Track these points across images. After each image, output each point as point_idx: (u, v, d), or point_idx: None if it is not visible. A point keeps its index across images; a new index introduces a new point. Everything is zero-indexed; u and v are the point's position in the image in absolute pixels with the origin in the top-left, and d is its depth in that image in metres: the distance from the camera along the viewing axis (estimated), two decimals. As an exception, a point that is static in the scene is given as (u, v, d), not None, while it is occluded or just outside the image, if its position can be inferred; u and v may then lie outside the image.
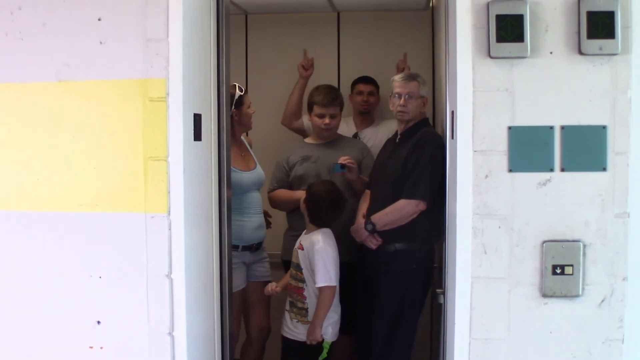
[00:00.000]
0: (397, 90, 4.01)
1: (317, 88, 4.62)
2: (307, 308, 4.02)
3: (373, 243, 3.96)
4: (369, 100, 4.95)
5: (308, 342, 3.99)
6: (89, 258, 2.96)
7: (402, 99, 3.98)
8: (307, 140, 4.66)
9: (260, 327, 4.35)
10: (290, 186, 4.55)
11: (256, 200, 4.27)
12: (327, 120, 4.46)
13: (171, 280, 2.91)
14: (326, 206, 4.08)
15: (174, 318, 2.93)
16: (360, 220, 4.06)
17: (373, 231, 3.92)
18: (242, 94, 4.29)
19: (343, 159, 4.28)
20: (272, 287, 4.17)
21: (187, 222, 2.92)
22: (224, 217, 3.26)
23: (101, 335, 2.98)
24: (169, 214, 2.89)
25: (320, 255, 3.97)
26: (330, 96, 4.50)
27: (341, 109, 4.58)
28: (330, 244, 4.01)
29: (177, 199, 2.88)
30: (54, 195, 2.98)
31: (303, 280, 4.03)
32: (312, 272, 3.99)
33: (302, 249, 4.04)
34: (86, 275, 2.96)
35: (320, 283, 3.95)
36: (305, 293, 4.03)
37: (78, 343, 2.99)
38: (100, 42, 2.93)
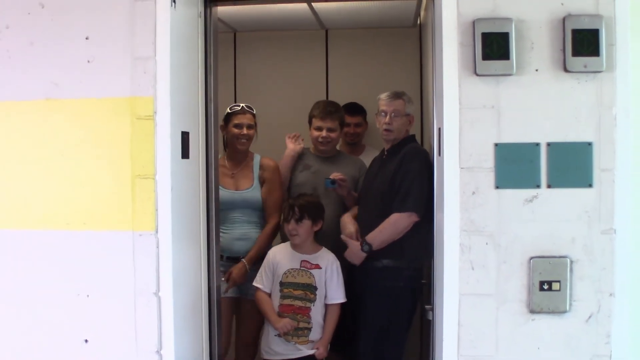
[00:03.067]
0: (382, 108, 4.04)
1: (318, 102, 4.61)
2: (311, 327, 4.02)
3: None
4: (356, 132, 4.95)
5: (320, 359, 4.01)
6: (76, 276, 2.95)
7: (388, 117, 4.00)
8: (311, 149, 4.63)
9: (245, 343, 4.35)
10: (287, 189, 4.55)
11: (237, 217, 4.28)
12: (323, 133, 4.44)
13: (159, 299, 2.91)
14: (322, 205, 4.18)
15: (162, 336, 2.92)
16: (354, 244, 4.03)
17: (370, 252, 3.90)
18: (229, 111, 4.32)
19: (334, 175, 4.29)
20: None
21: (174, 240, 2.91)
22: (212, 235, 3.26)
23: (89, 353, 2.96)
24: (157, 232, 2.89)
25: (339, 272, 4.07)
26: (328, 109, 4.47)
27: (341, 125, 4.55)
28: None
29: (165, 217, 2.88)
30: (42, 213, 2.98)
31: (312, 300, 4.02)
32: (325, 290, 4.04)
33: (320, 268, 4.05)
34: (74, 293, 2.95)
35: (342, 298, 4.06)
36: (311, 313, 4.02)
37: (65, 362, 2.98)
38: (88, 61, 2.94)
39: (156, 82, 2.89)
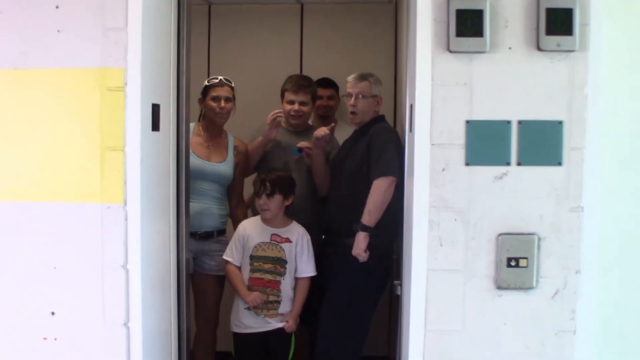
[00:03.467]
0: (348, 90, 4.08)
1: (290, 76, 4.60)
2: (281, 301, 4.04)
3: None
4: (328, 104, 4.93)
5: (289, 331, 4.05)
6: (43, 248, 2.92)
7: (353, 99, 4.03)
8: (283, 123, 4.62)
9: (206, 317, 4.35)
10: (257, 166, 4.54)
11: (204, 189, 4.23)
12: (295, 107, 4.43)
13: (127, 271, 2.89)
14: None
15: (129, 309, 2.90)
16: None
17: (365, 229, 3.86)
18: (207, 84, 4.28)
19: (301, 144, 4.30)
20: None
21: (143, 212, 2.89)
22: (182, 209, 3.25)
23: (55, 326, 2.95)
24: (126, 204, 2.87)
25: (309, 245, 4.10)
26: (300, 83, 4.48)
27: (313, 99, 4.55)
28: None
29: (134, 189, 2.86)
30: (9, 184, 2.94)
31: (281, 274, 4.04)
32: (295, 264, 4.07)
33: (290, 242, 4.06)
34: (40, 265, 2.92)
35: (312, 272, 4.10)
36: (281, 286, 4.04)
37: (32, 334, 2.95)
38: (58, 30, 2.90)
39: (127, 54, 2.86)
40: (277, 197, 4.03)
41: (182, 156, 3.25)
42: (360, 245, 3.83)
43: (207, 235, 4.24)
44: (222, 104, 4.25)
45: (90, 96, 2.88)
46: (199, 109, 4.38)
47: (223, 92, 4.27)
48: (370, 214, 3.81)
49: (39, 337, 2.95)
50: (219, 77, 4.31)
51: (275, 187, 4.03)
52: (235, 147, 4.40)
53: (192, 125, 4.23)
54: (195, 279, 4.25)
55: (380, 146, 3.84)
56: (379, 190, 3.80)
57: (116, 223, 2.87)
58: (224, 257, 4.10)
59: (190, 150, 4.09)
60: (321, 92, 4.83)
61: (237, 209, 4.47)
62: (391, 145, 3.76)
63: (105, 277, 2.89)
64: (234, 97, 4.32)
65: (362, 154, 3.92)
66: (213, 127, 4.34)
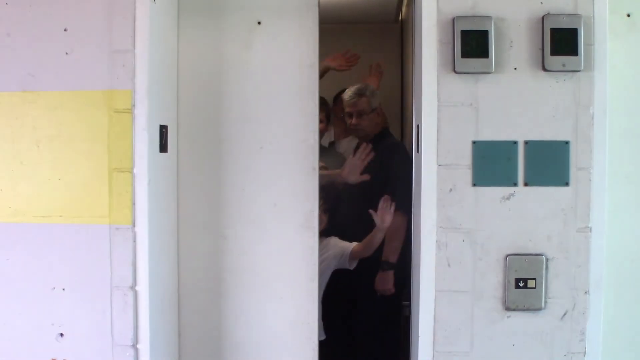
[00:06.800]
0: (347, 109, 4.08)
1: None
2: None
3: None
4: None
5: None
6: (52, 270, 2.93)
7: (354, 118, 4.04)
8: None
9: None
10: None
11: None
12: None
13: (135, 292, 2.90)
14: None
15: (138, 330, 2.91)
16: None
17: (392, 267, 3.90)
18: None
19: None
20: None
21: (151, 234, 2.90)
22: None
23: (64, 347, 2.95)
24: (134, 225, 2.88)
25: None
26: None
27: (328, 118, 4.57)
28: None
29: (142, 210, 2.87)
30: (18, 206, 2.95)
31: None
32: None
33: None
34: (49, 287, 2.93)
35: None
36: None
37: (40, 355, 2.96)
38: (66, 53, 2.92)
39: (135, 76, 2.88)
40: None
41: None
42: (389, 283, 3.88)
43: None
44: None
45: (98, 118, 2.90)
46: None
47: None
48: (397, 251, 3.84)
49: (48, 358, 2.95)
50: None
51: None
52: None
53: None
54: None
55: (397, 172, 3.84)
56: (404, 228, 3.81)
57: (125, 244, 2.88)
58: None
59: None
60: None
61: None
62: (407, 170, 3.72)
63: (114, 298, 2.90)
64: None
65: (374, 172, 3.93)
66: None
